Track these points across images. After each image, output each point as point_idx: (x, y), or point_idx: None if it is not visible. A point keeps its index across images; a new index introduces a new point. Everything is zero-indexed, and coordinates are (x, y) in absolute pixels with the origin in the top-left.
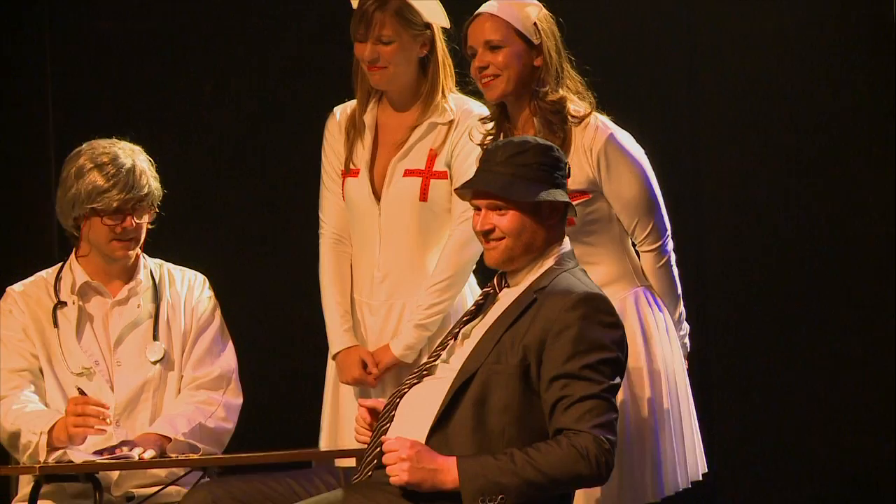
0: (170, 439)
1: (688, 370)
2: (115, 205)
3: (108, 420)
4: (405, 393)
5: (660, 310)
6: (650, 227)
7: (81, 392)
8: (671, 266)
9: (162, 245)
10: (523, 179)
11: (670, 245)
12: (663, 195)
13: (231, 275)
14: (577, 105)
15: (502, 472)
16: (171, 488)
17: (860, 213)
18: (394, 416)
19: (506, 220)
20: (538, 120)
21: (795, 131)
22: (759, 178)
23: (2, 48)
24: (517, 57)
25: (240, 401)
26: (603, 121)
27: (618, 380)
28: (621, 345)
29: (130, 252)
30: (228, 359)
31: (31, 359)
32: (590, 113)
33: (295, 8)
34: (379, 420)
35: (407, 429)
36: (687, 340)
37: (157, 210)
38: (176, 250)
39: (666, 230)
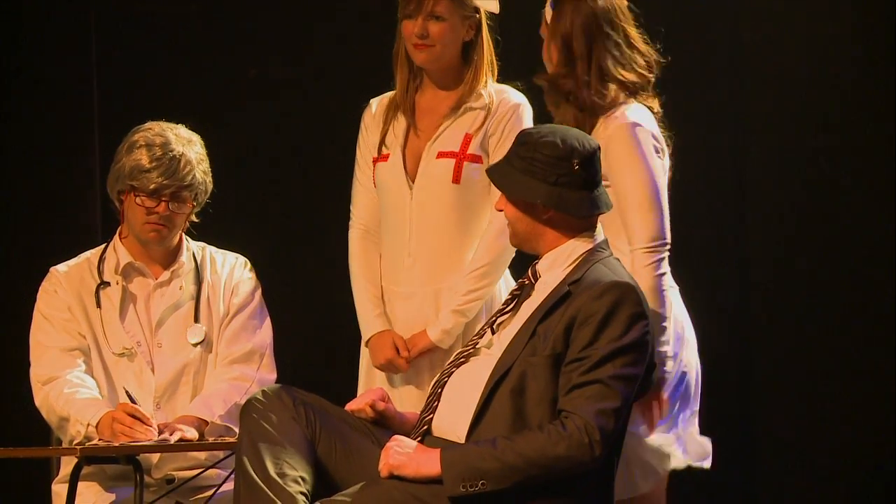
0: (207, 422)
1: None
2: (152, 186)
3: (152, 434)
4: (446, 382)
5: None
6: (636, 225)
7: (131, 398)
8: (659, 273)
9: (203, 228)
10: (520, 172)
11: (662, 254)
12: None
13: (272, 260)
14: (604, 96)
15: (483, 458)
16: (211, 471)
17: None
18: (436, 406)
19: (508, 209)
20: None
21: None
22: (805, 169)
23: (47, 35)
24: (546, 51)
25: (274, 376)
26: (631, 111)
27: (632, 370)
28: (644, 336)
29: (162, 237)
30: (263, 335)
31: (79, 338)
32: (625, 102)
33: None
34: (422, 412)
35: (449, 420)
36: (673, 366)
37: (201, 203)
38: (217, 236)
39: (661, 238)
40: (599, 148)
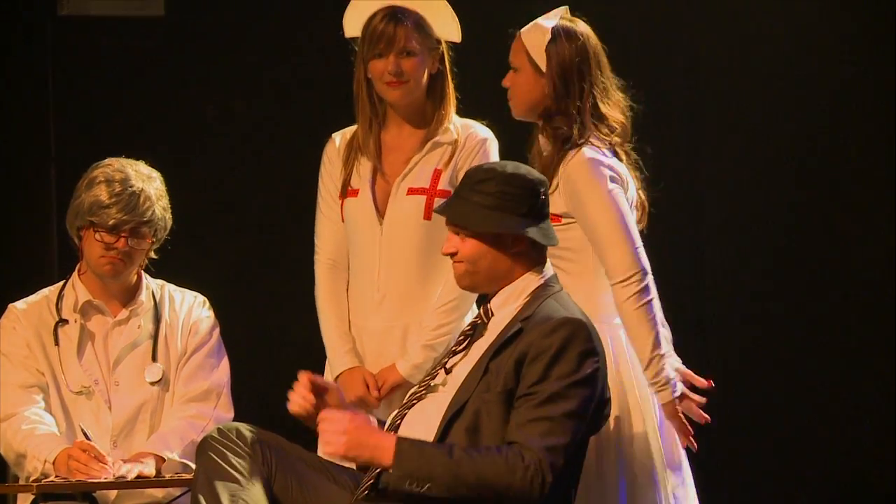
0: (164, 459)
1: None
2: (111, 222)
3: (107, 471)
4: (399, 424)
5: (622, 349)
6: (611, 260)
7: (86, 435)
8: (640, 305)
9: (161, 265)
10: (484, 207)
11: (641, 284)
12: (664, 202)
13: (230, 298)
14: (588, 135)
15: (437, 462)
16: None
17: (860, 216)
18: None
19: (466, 246)
20: (549, 145)
21: (797, 134)
22: (761, 183)
23: (3, 69)
24: (526, 82)
25: (231, 415)
26: (585, 148)
27: (581, 407)
28: (595, 373)
29: (117, 271)
30: (221, 374)
31: (38, 375)
32: (574, 142)
33: (296, 28)
34: None
35: None
36: (668, 385)
37: (160, 240)
38: (175, 271)
39: (634, 267)
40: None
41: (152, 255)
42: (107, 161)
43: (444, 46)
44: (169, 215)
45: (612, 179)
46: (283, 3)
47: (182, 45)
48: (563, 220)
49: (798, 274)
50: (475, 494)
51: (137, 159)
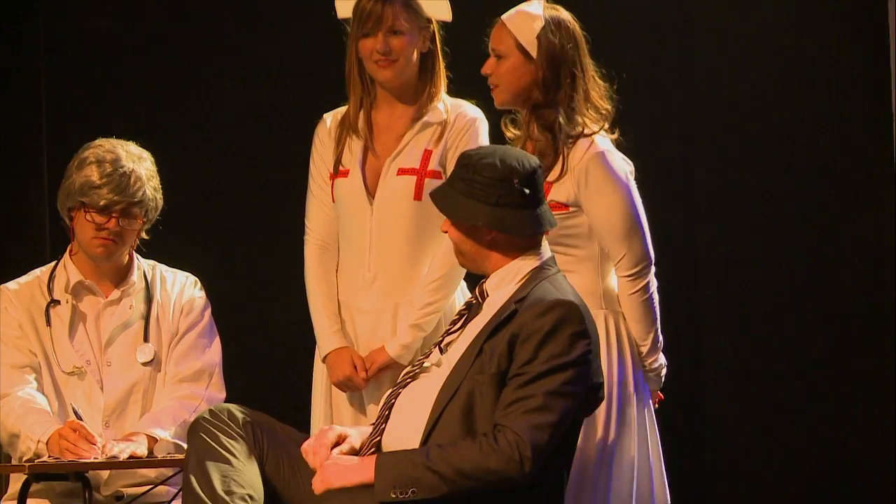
0: (156, 439)
1: (661, 398)
2: (102, 202)
3: (96, 451)
4: (393, 403)
5: (620, 338)
6: (623, 253)
7: (77, 415)
8: (645, 297)
9: (153, 246)
10: (460, 195)
11: (648, 275)
12: (655, 203)
13: (222, 278)
14: (575, 124)
15: (415, 466)
16: (160, 488)
17: (856, 213)
18: (384, 428)
19: (451, 231)
20: (536, 133)
21: (789, 133)
22: (753, 181)
23: None
24: (513, 70)
25: (223, 395)
26: (598, 141)
27: (571, 387)
28: (585, 355)
29: (109, 252)
30: (213, 354)
31: (30, 355)
32: (581, 133)
33: (289, 9)
34: (370, 433)
35: (398, 440)
36: (663, 372)
37: (151, 220)
38: (168, 251)
39: (645, 259)
40: (540, 166)
41: (144, 235)
42: (98, 141)
43: (434, 26)
44: (160, 196)
45: (628, 172)
46: None
47: (175, 24)
48: (571, 209)
49: (791, 256)
50: (461, 488)
51: (129, 139)
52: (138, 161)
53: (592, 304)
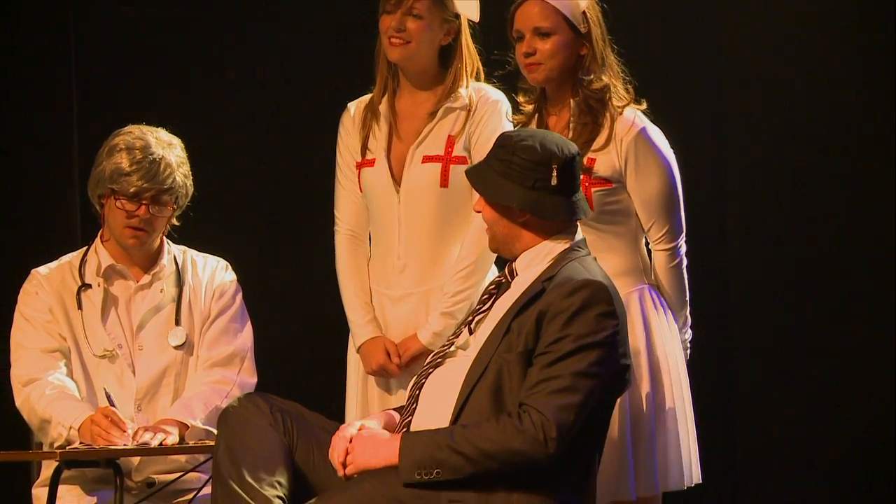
0: (188, 426)
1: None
2: (132, 190)
3: (127, 438)
4: (423, 384)
5: (665, 310)
6: (667, 226)
7: (110, 400)
8: (682, 268)
9: (186, 232)
10: (498, 175)
11: (684, 248)
12: (686, 191)
13: (253, 263)
14: (618, 95)
15: (439, 448)
16: (191, 474)
17: (870, 209)
18: (415, 408)
19: (486, 210)
20: (576, 106)
21: (816, 130)
22: (783, 174)
23: (26, 36)
24: (565, 46)
25: (254, 380)
26: (638, 114)
27: (598, 368)
28: (613, 336)
29: (142, 242)
30: (244, 339)
31: (60, 339)
32: (628, 104)
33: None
34: (402, 414)
35: (428, 421)
36: (689, 346)
37: (182, 207)
38: (198, 237)
39: (681, 232)
40: (579, 153)
41: (174, 221)
42: (127, 128)
43: (463, 23)
44: (190, 182)
45: (669, 147)
46: None
47: (203, 11)
48: (613, 185)
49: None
50: (486, 469)
51: (158, 126)
52: (168, 148)
53: (635, 279)
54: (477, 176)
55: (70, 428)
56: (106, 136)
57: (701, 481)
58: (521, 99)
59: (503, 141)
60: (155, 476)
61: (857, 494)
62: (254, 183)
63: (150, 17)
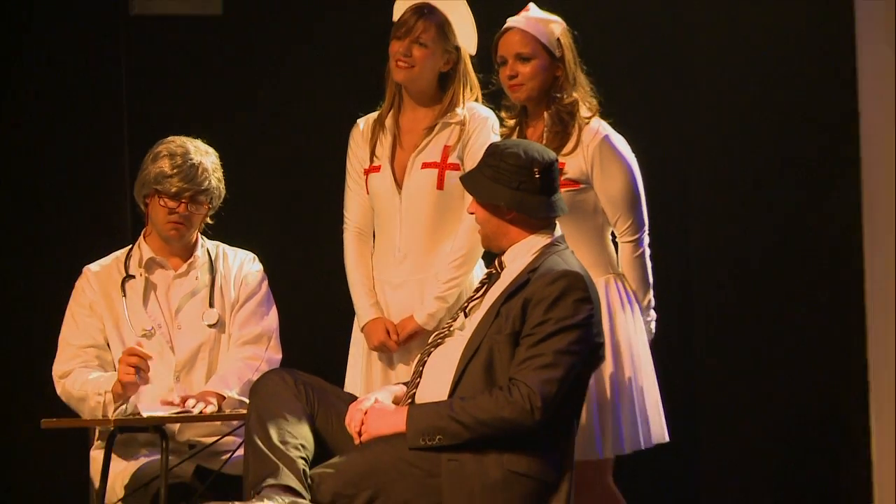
0: (224, 397)
1: (651, 347)
2: (174, 190)
3: (148, 364)
4: (426, 361)
5: (627, 297)
6: (630, 220)
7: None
8: (645, 258)
9: (220, 229)
10: (488, 179)
11: (646, 240)
12: (651, 191)
13: (277, 257)
14: (584, 109)
15: (441, 417)
16: (227, 438)
17: (825, 205)
18: (419, 382)
19: (478, 210)
20: (549, 118)
21: (769, 129)
22: (742, 175)
23: (86, 62)
24: (543, 69)
25: (280, 356)
26: (603, 124)
27: (575, 346)
28: (588, 318)
29: (181, 234)
30: (271, 321)
31: (95, 334)
32: (594, 115)
33: (334, 28)
34: (407, 387)
35: (430, 392)
36: (653, 326)
37: (215, 207)
38: (232, 234)
39: (643, 226)
40: (556, 160)
41: (208, 220)
42: (170, 138)
43: (464, 54)
44: (223, 186)
45: (630, 151)
46: (321, 7)
47: (237, 38)
48: (581, 186)
49: (772, 254)
50: (481, 435)
51: (196, 138)
52: (205, 155)
53: (601, 270)
54: (470, 181)
55: (105, 393)
56: (150, 147)
57: (667, 440)
58: (503, 114)
59: (492, 150)
60: (195, 439)
61: (806, 453)
62: (277, 189)
63: (189, 43)
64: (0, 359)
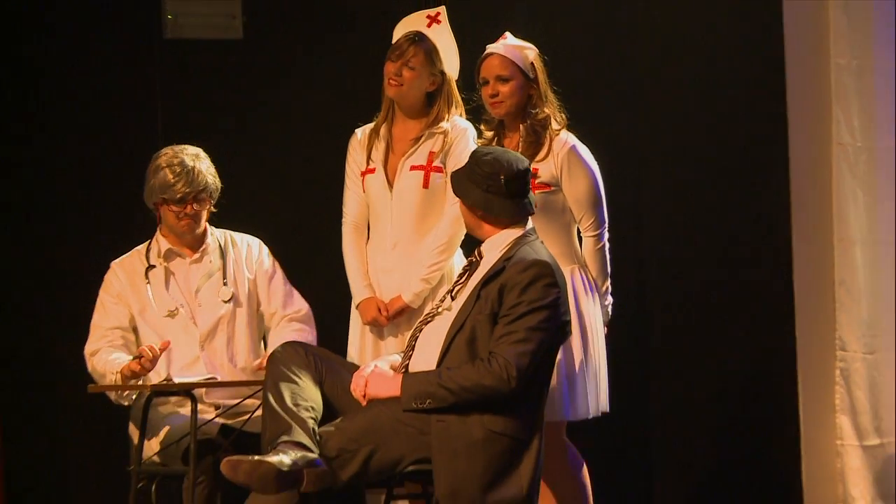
0: None
1: (608, 328)
2: (178, 196)
3: (151, 360)
4: (418, 336)
5: (589, 284)
6: (593, 218)
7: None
8: (605, 251)
9: (227, 222)
10: (468, 180)
11: (606, 235)
12: (609, 193)
13: (288, 245)
14: (555, 123)
15: (430, 383)
16: (249, 400)
17: (757, 198)
18: (412, 354)
19: (460, 205)
20: (524, 130)
21: (714, 132)
22: (686, 179)
23: (127, 81)
24: (519, 88)
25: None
26: (570, 136)
27: (545, 324)
28: (556, 300)
29: (192, 229)
30: (304, 302)
31: (122, 318)
32: (563, 128)
33: (339, 51)
34: (403, 358)
35: (422, 362)
36: (610, 309)
37: (215, 198)
38: (252, 227)
39: (604, 223)
40: (528, 168)
41: (212, 209)
42: (164, 150)
43: (449, 77)
44: (218, 179)
45: (593, 158)
46: (325, 31)
47: (255, 60)
48: (552, 188)
49: (713, 242)
50: (464, 400)
51: (217, 146)
52: (197, 158)
53: (568, 260)
54: (454, 178)
55: (116, 373)
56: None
57: (607, 409)
58: (483, 127)
59: (474, 154)
60: (220, 401)
61: (743, 420)
62: (288, 188)
63: (213, 63)
64: (54, 337)
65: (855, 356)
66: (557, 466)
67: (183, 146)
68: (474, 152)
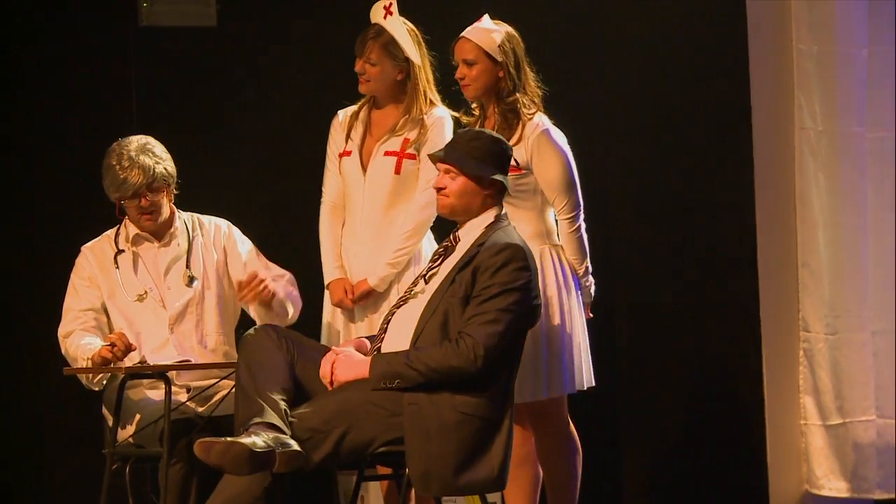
0: (275, 294)
1: (592, 310)
2: (130, 192)
3: (123, 351)
4: (391, 319)
5: (560, 264)
6: (566, 201)
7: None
8: (581, 232)
9: (222, 206)
10: (474, 158)
11: (581, 217)
12: (582, 182)
13: (266, 226)
14: (528, 106)
15: (399, 364)
16: (223, 382)
17: (722, 182)
18: (384, 337)
19: (456, 183)
20: (497, 114)
21: (676, 122)
22: (652, 168)
23: (101, 68)
24: (484, 71)
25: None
26: (543, 119)
27: (515, 307)
28: (527, 283)
29: (154, 221)
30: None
31: (94, 300)
32: (535, 112)
33: (314, 36)
34: (375, 339)
35: (394, 344)
36: (592, 290)
37: (171, 184)
38: (232, 212)
39: (578, 206)
40: (509, 147)
41: (174, 191)
42: (110, 149)
43: (417, 65)
44: (171, 165)
45: (566, 142)
46: (301, 20)
47: (229, 47)
48: (523, 171)
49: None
50: (432, 380)
51: (193, 133)
52: (142, 151)
53: (539, 241)
54: (456, 158)
55: (87, 360)
56: (162, 141)
57: (594, 385)
58: (461, 115)
59: (476, 135)
60: (190, 383)
61: (710, 399)
62: (266, 171)
63: (188, 51)
64: (29, 321)
65: (818, 337)
66: (555, 445)
67: (129, 139)
68: (475, 132)
